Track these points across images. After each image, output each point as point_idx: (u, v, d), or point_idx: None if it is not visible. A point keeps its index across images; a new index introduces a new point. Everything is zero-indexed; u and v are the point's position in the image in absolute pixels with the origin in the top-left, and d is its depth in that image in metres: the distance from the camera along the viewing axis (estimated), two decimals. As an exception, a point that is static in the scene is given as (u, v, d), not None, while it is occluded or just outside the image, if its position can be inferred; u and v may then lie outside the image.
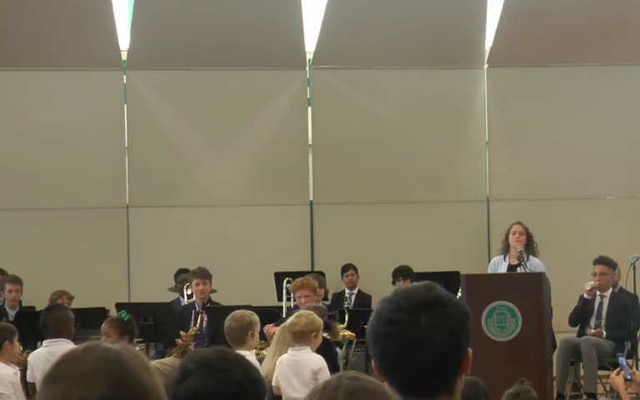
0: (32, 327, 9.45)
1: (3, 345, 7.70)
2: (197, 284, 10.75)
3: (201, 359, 2.68)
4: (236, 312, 8.03)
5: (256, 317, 7.90)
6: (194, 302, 10.87)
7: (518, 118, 13.93)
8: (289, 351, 7.74)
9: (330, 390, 2.33)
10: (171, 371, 2.80)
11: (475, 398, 5.37)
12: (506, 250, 10.90)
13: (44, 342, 8.18)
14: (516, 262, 10.61)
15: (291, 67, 13.79)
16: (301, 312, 8.08)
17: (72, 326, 8.20)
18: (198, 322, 10.58)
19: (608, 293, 11.31)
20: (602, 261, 11.32)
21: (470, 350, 2.44)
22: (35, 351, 8.46)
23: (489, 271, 11.07)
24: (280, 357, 7.77)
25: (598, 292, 11.31)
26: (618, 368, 6.70)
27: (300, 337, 7.70)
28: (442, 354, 2.38)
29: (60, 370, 1.91)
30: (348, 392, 2.31)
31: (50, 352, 7.93)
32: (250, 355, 7.43)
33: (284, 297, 11.24)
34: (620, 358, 6.97)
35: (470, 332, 2.45)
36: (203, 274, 10.79)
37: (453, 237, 13.74)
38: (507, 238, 10.93)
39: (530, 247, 10.77)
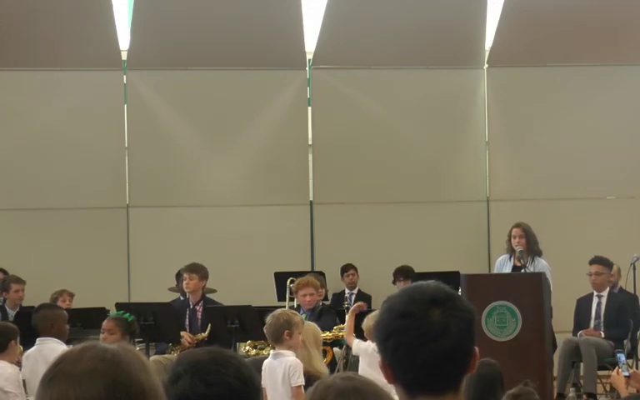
0: (31, 327, 9.43)
1: (9, 344, 7.71)
2: (184, 279, 10.74)
3: (191, 361, 2.63)
4: (277, 310, 7.85)
5: (297, 318, 7.63)
6: (188, 299, 10.85)
7: (518, 118, 13.93)
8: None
9: (321, 389, 2.34)
10: (173, 365, 2.77)
11: (492, 378, 5.36)
12: (511, 250, 10.89)
13: (37, 340, 8.17)
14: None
15: (291, 67, 13.78)
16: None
17: (62, 324, 8.13)
18: (198, 323, 10.57)
19: (605, 293, 11.32)
20: (597, 260, 11.33)
21: (477, 349, 2.41)
22: (27, 351, 8.44)
23: (495, 269, 11.06)
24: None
25: (595, 292, 11.32)
26: (618, 367, 6.70)
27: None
28: (457, 345, 2.34)
29: (57, 370, 1.90)
30: (338, 391, 2.31)
31: (38, 350, 7.93)
32: (290, 355, 7.39)
33: (287, 297, 11.21)
34: (619, 355, 6.93)
35: (476, 332, 2.44)
36: (190, 269, 10.71)
37: (453, 237, 13.73)
38: (509, 239, 10.94)
39: (533, 247, 10.73)
